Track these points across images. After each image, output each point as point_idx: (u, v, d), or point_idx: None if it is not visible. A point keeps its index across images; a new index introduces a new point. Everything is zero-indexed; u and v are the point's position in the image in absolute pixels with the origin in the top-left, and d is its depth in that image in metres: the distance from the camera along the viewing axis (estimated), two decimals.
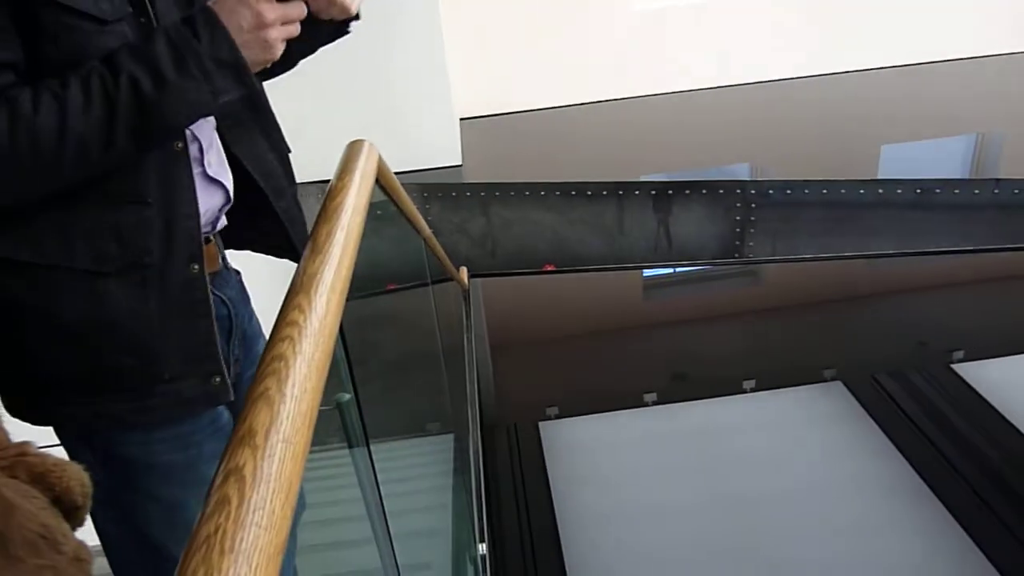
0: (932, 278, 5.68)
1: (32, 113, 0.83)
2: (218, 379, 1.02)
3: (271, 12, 0.92)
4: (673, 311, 5.57)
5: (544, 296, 5.11)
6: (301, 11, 0.94)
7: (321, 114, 3.12)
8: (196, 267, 0.98)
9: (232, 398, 1.05)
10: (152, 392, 0.99)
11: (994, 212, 3.40)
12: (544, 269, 3.68)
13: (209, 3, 0.93)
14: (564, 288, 4.63)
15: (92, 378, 0.97)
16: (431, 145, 3.69)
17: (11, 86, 0.85)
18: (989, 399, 4.40)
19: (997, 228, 3.44)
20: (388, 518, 1.44)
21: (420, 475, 2.81)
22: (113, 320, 0.94)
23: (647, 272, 5.22)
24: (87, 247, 0.91)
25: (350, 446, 1.41)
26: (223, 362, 1.02)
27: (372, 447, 1.40)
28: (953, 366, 4.71)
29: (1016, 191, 3.29)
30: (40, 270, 0.92)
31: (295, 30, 0.94)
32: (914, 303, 5.66)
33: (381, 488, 1.41)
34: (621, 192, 3.48)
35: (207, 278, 0.99)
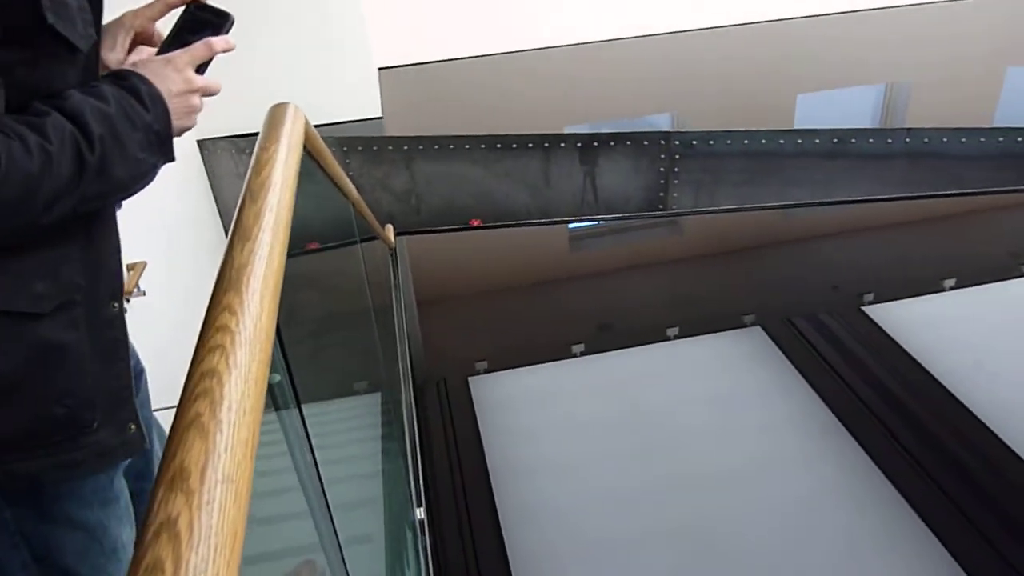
0: (845, 224, 5.90)
1: (26, 154, 0.80)
2: (133, 427, 0.98)
3: (198, 79, 0.94)
4: (598, 263, 5.59)
5: (471, 252, 5.05)
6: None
7: (230, 64, 2.93)
8: (116, 305, 0.95)
9: (148, 446, 1.01)
10: (76, 444, 0.93)
11: (904, 160, 3.49)
12: (470, 224, 3.60)
13: (135, 66, 0.92)
14: (490, 243, 4.57)
15: (15, 433, 0.90)
16: (349, 96, 3.55)
17: None
18: (896, 338, 4.62)
19: (907, 175, 3.53)
20: (325, 489, 1.38)
21: (351, 440, 2.74)
22: (47, 364, 0.89)
23: (572, 224, 5.23)
24: (23, 287, 0.87)
25: (280, 421, 1.33)
26: (136, 407, 0.98)
27: (301, 412, 1.33)
28: (864, 308, 4.91)
29: (925, 140, 3.37)
30: None
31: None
32: (828, 249, 5.87)
33: (316, 456, 1.34)
34: (547, 145, 3.41)
35: (124, 317, 0.96)
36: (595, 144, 3.43)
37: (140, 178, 0.90)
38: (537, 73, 4.65)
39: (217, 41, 0.98)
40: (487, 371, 4.71)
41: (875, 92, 5.69)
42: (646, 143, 3.46)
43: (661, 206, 3.65)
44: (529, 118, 4.46)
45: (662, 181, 3.58)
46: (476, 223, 3.65)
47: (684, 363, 4.72)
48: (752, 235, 5.59)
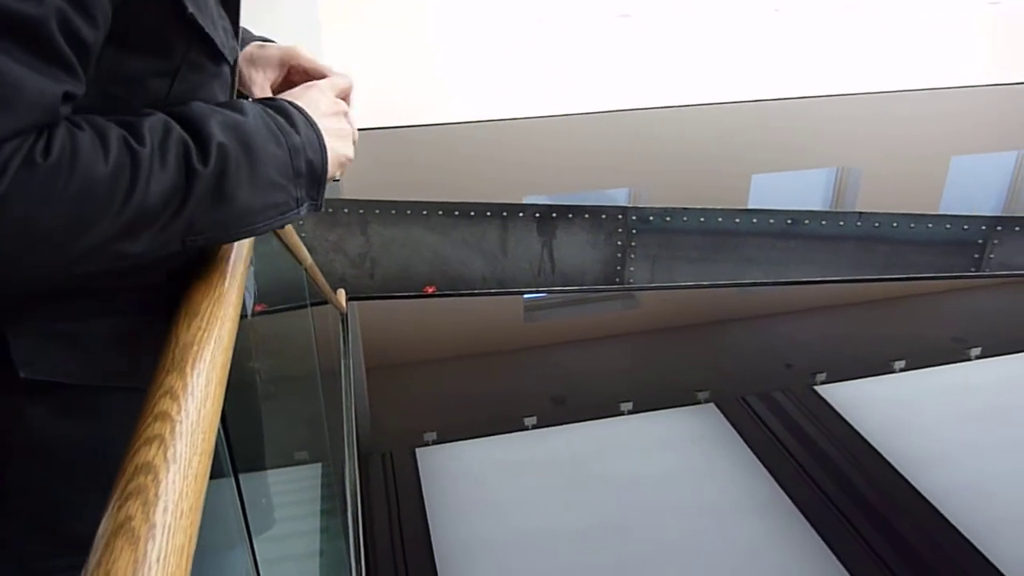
0: (799, 303, 6.05)
1: (97, 150, 0.63)
2: None
3: (343, 103, 0.85)
4: (553, 333, 5.61)
5: (424, 319, 5.01)
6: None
7: None
8: None
9: None
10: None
11: (856, 243, 3.58)
12: (425, 292, 3.56)
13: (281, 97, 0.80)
14: (445, 311, 4.55)
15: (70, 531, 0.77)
16: None
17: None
18: (848, 418, 4.70)
19: (859, 257, 3.61)
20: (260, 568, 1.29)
21: (289, 515, 2.62)
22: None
23: (528, 295, 5.25)
24: (142, 362, 0.69)
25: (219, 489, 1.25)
26: None
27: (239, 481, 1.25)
28: (816, 387, 5.00)
29: (876, 224, 3.48)
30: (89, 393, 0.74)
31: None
32: (782, 327, 6.00)
33: (251, 534, 1.26)
34: (505, 214, 3.42)
35: None
36: (554, 215, 3.45)
37: (274, 210, 0.72)
38: (498, 143, 4.73)
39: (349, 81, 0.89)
40: (436, 442, 4.62)
41: (827, 175, 5.91)
42: (604, 216, 3.49)
43: (618, 279, 3.66)
44: (488, 187, 4.50)
45: (619, 255, 3.59)
46: (431, 290, 3.62)
47: (638, 439, 4.71)
48: (708, 311, 5.67)
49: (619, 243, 3.57)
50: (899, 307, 6.06)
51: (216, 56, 0.75)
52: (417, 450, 4.57)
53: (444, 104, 4.57)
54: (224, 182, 0.68)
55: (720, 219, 3.49)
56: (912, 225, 3.38)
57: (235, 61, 0.82)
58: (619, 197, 5.59)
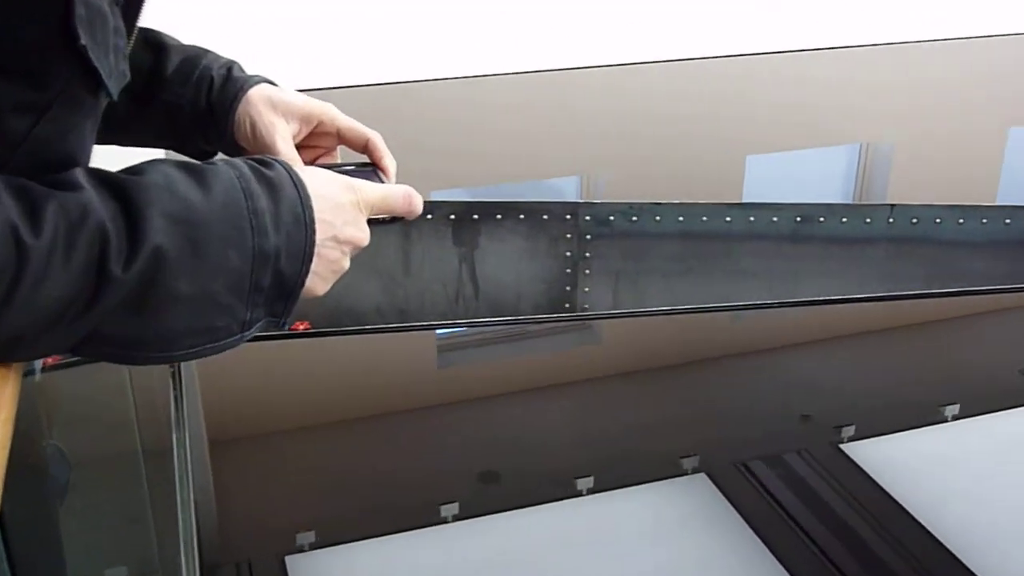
0: (814, 332, 6.17)
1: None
2: None
3: (367, 233, 0.95)
4: (479, 383, 5.58)
5: (293, 370, 4.93)
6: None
7: None
8: None
9: None
10: None
11: (888, 247, 3.70)
12: (294, 330, 3.53)
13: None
14: (323, 357, 4.50)
15: None
16: None
17: None
18: (887, 487, 4.82)
19: (892, 266, 3.74)
20: None
21: None
22: None
23: (443, 330, 5.25)
24: None
25: None
26: None
27: None
28: (842, 446, 5.11)
29: (914, 220, 3.62)
30: None
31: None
32: (793, 366, 6.10)
33: None
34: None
35: None
36: (475, 217, 3.46)
37: (207, 336, 0.80)
38: (390, 115, 4.72)
39: (416, 203, 1.00)
40: (315, 546, 4.55)
41: (847, 155, 6.06)
42: (546, 217, 3.51)
43: (568, 305, 3.71)
44: None
45: (569, 270, 3.65)
46: (302, 327, 3.60)
47: (602, 528, 4.73)
48: (693, 346, 5.73)
49: (568, 254, 3.62)
50: (948, 332, 6.20)
51: (98, 90, 0.77)
52: (288, 558, 4.50)
53: (325, 65, 4.55)
54: (148, 294, 0.72)
55: (705, 217, 3.57)
56: (961, 220, 3.51)
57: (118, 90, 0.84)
58: (566, 190, 5.66)
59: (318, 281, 0.88)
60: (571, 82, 5.07)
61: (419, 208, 1.02)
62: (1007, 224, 3.53)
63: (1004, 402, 5.42)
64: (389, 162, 1.23)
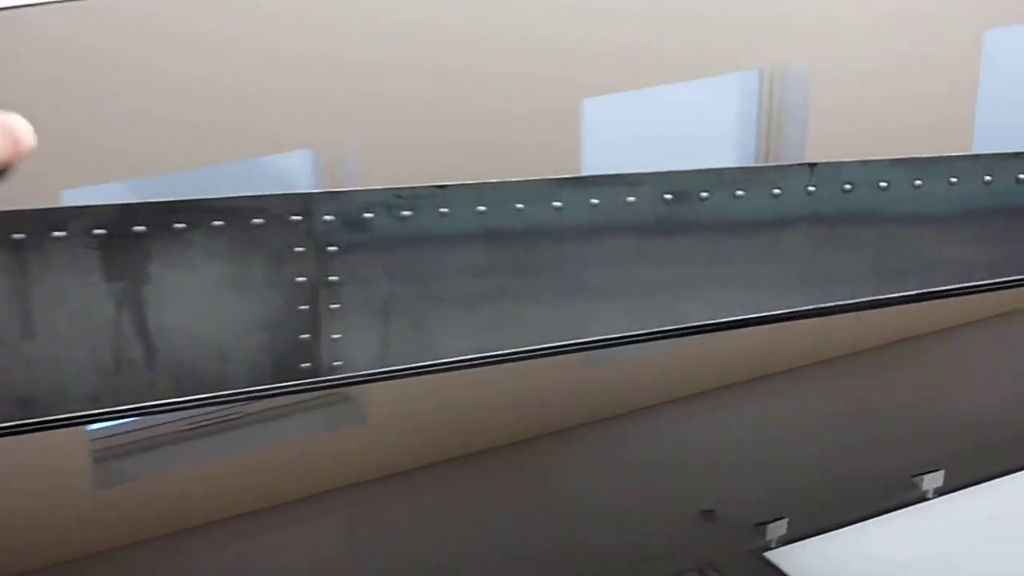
0: (709, 376, 6.15)
1: None
2: None
3: None
4: (174, 515, 5.35)
5: None
6: None
7: None
8: None
9: None
10: None
11: (808, 231, 3.74)
12: None
13: None
14: None
15: None
16: None
17: None
18: None
19: (817, 264, 3.78)
20: None
21: None
22: None
23: (97, 423, 4.99)
24: None
25: None
26: None
27: None
28: (768, 554, 5.11)
29: (846, 185, 3.64)
30: None
31: None
32: (682, 434, 6.06)
33: None
34: (23, 235, 3.20)
35: None
36: (140, 229, 3.32)
37: None
38: None
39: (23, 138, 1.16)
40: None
41: (740, 89, 6.15)
42: (261, 221, 3.41)
43: (308, 364, 3.56)
44: None
45: (305, 307, 3.52)
46: None
47: None
48: (512, 415, 5.64)
49: (302, 280, 3.50)
50: (916, 360, 6.34)
51: None
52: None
53: None
54: None
55: (521, 204, 3.54)
56: (919, 182, 3.54)
57: None
58: (293, 172, 5.61)
59: None
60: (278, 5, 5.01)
61: (28, 143, 1.13)
62: (988, 183, 3.55)
63: (1005, 464, 5.56)
64: None
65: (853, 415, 6.53)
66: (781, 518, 5.46)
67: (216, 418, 5.65)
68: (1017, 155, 3.70)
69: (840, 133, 6.22)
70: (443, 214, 3.55)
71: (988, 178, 3.68)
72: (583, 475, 6.12)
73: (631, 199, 3.59)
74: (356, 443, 5.81)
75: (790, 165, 3.69)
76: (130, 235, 3.35)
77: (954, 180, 3.66)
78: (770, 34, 6.05)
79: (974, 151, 4.20)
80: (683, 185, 3.61)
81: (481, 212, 3.57)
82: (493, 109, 5.32)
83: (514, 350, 3.63)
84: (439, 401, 5.59)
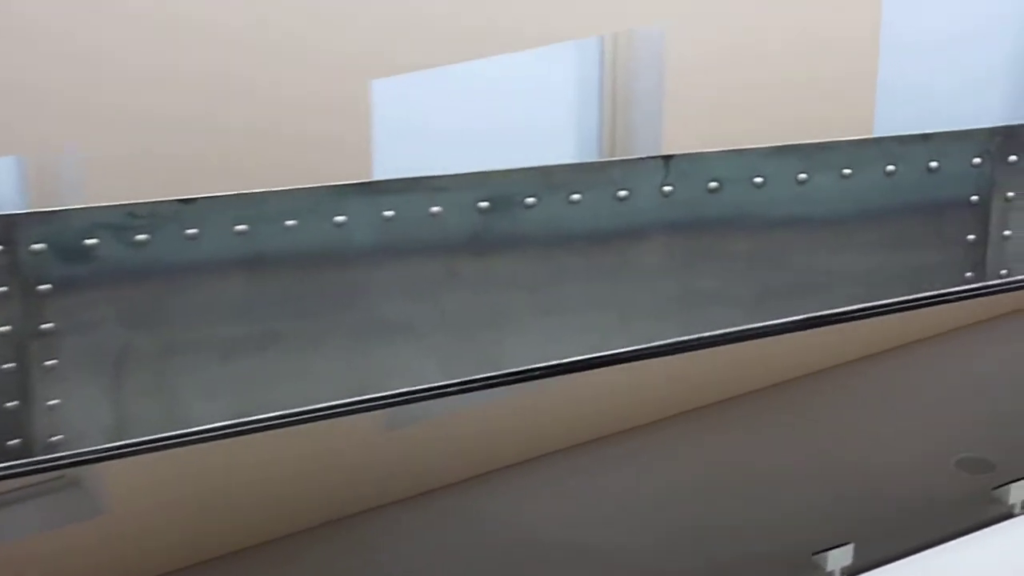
0: (557, 438, 6.07)
1: None
2: None
3: None
4: None
5: None
6: None
7: None
8: None
9: None
10: None
11: (666, 241, 3.70)
12: None
13: None
14: None
15: None
16: None
17: None
18: None
19: (677, 285, 3.73)
20: None
21: None
22: None
23: None
24: None
25: None
26: None
27: None
28: None
29: (713, 183, 3.57)
30: None
31: None
32: (511, 513, 6.01)
33: None
34: None
35: None
36: None
37: None
38: None
39: None
40: None
41: (576, 62, 6.20)
42: None
43: (16, 440, 3.47)
44: None
45: (9, 365, 3.40)
46: None
47: None
48: (292, 500, 5.57)
49: (3, 329, 3.37)
50: (813, 398, 6.37)
51: None
52: None
53: None
54: None
55: (295, 219, 3.48)
56: (803, 175, 3.58)
57: None
58: None
59: None
60: None
61: None
62: (891, 174, 3.58)
63: (928, 535, 5.73)
64: None
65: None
66: None
67: None
68: (926, 137, 3.64)
69: (705, 116, 6.14)
70: (190, 237, 3.42)
71: (891, 168, 3.64)
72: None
73: (436, 209, 3.49)
74: (91, 542, 5.58)
75: (640, 159, 3.61)
76: None
77: (848, 172, 3.61)
78: None
79: (875, 134, 4.22)
80: (503, 189, 3.51)
81: (240, 232, 3.44)
82: (253, 98, 5.20)
83: (290, 411, 3.50)
84: (204, 482, 5.39)
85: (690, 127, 6.06)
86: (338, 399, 3.54)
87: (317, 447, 5.54)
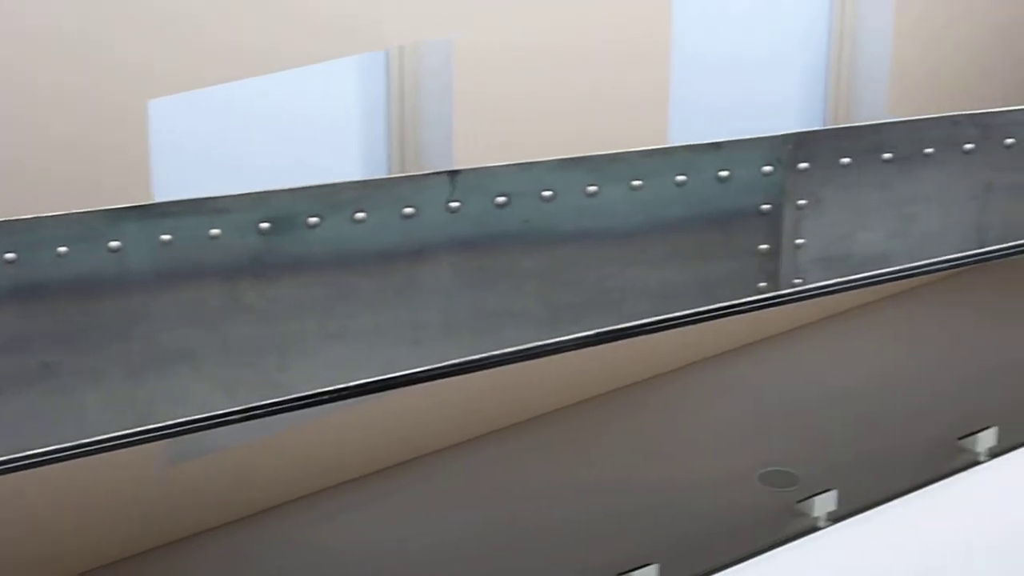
0: (361, 461, 6.04)
1: None
2: None
3: None
4: None
5: None
6: None
7: None
8: None
9: None
10: None
11: (454, 262, 3.63)
12: None
13: None
14: None
15: None
16: None
17: None
18: None
19: (467, 307, 3.69)
20: None
21: None
22: None
23: None
24: None
25: None
26: None
27: None
28: None
29: (501, 198, 3.53)
30: None
31: None
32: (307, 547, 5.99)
33: None
34: None
35: None
36: None
37: None
38: None
39: None
40: None
41: (361, 77, 6.09)
42: None
43: None
44: None
45: None
46: None
47: None
48: (66, 541, 5.47)
49: None
50: (605, 422, 6.37)
51: None
52: None
53: None
54: None
55: (65, 246, 3.33)
56: (593, 187, 3.57)
57: None
58: None
59: None
60: None
61: None
62: (682, 184, 3.56)
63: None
64: None
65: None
66: None
67: None
68: (716, 146, 3.64)
69: (495, 130, 6.13)
70: None
71: (681, 178, 3.61)
72: None
73: (215, 232, 3.39)
74: None
75: (426, 175, 3.56)
76: None
77: (638, 183, 3.59)
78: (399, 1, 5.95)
79: (669, 143, 4.25)
80: (284, 209, 3.44)
81: (9, 261, 3.30)
82: (13, 116, 5.10)
83: (63, 446, 3.35)
84: None
85: (481, 141, 6.05)
86: (114, 432, 3.40)
87: (96, 484, 5.45)
